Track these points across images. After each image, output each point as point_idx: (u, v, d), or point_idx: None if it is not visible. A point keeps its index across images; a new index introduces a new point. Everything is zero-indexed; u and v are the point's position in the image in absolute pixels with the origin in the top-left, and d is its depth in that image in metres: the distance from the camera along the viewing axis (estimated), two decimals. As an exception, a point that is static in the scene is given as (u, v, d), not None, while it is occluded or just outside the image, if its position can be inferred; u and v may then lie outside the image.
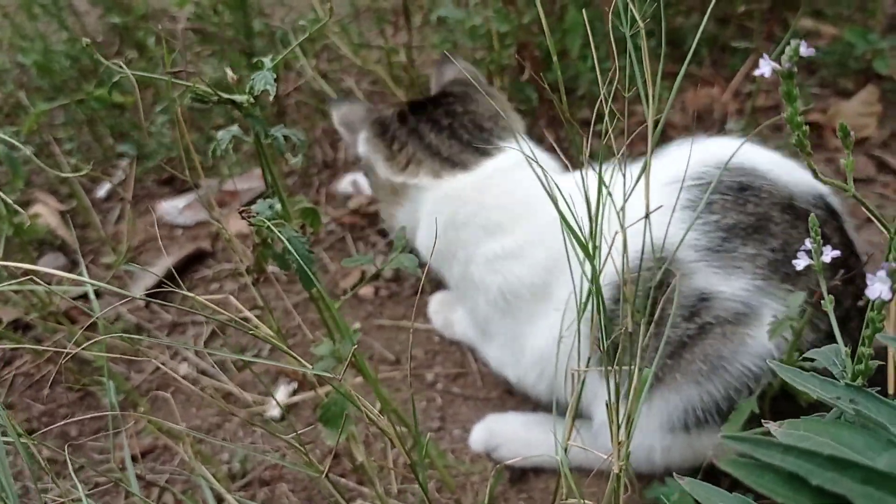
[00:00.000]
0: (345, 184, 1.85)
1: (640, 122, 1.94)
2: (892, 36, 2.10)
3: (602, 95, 0.75)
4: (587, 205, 0.76)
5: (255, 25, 1.77)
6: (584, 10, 0.92)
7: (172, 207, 1.85)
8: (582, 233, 0.73)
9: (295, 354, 0.84)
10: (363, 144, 1.36)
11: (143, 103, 2.05)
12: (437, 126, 1.29)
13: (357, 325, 1.57)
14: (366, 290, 1.64)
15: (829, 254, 0.60)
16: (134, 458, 1.32)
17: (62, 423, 1.41)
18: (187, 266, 1.74)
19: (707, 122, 1.92)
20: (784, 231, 1.05)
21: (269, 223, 0.77)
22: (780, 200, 1.07)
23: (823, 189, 1.13)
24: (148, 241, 1.82)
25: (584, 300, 0.76)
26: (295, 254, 0.77)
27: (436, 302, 1.56)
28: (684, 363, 1.04)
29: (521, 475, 1.28)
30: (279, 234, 0.75)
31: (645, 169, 0.75)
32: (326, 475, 0.77)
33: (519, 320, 1.24)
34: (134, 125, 1.98)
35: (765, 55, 0.47)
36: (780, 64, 0.45)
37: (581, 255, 0.74)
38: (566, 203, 0.74)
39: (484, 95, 1.32)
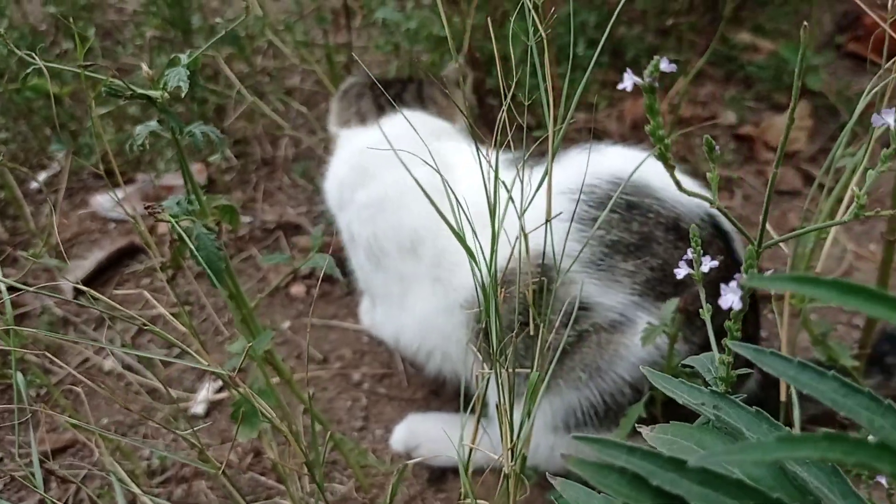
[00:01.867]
0: None
1: (577, 128, 1.94)
2: (825, 52, 2.16)
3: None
4: (486, 196, 0.77)
5: (194, 21, 1.76)
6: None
7: (107, 201, 1.83)
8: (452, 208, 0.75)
9: (202, 352, 0.85)
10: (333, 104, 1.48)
11: (82, 95, 2.02)
12: (374, 90, 1.40)
13: (287, 324, 1.57)
14: (297, 289, 1.64)
15: (707, 264, 0.62)
16: (52, 454, 1.31)
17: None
18: (119, 260, 1.73)
19: (642, 132, 1.96)
20: (666, 251, 1.08)
21: (173, 220, 0.77)
22: (665, 221, 1.10)
23: (714, 209, 1.16)
24: (80, 234, 1.80)
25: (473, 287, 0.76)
26: (194, 250, 0.77)
27: (367, 301, 1.57)
28: (566, 369, 1.08)
29: (441, 475, 1.30)
30: (179, 229, 0.75)
31: (546, 175, 0.76)
32: (223, 472, 0.77)
33: (390, 277, 1.29)
34: (71, 117, 1.95)
35: (628, 70, 0.49)
36: (642, 78, 0.46)
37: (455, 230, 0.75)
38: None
39: (439, 94, 1.43)
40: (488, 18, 1.19)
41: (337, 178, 1.35)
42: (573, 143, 1.24)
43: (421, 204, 1.22)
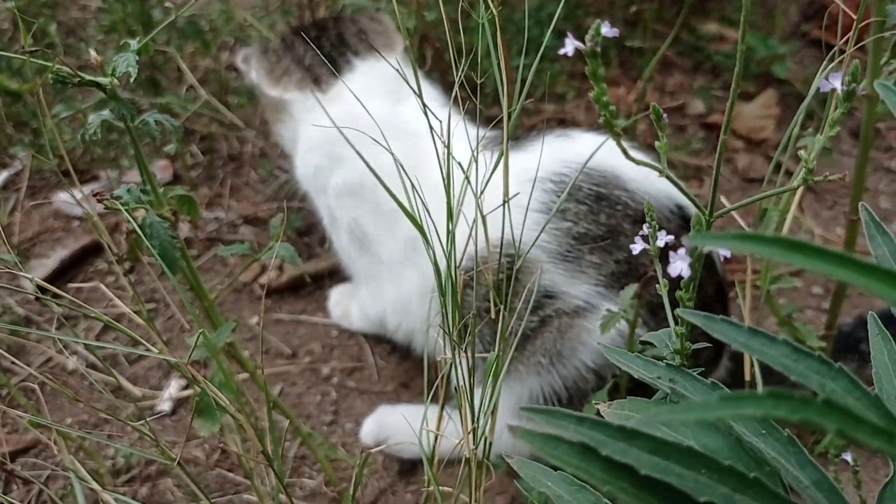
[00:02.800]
0: None
1: (546, 118, 1.93)
2: (791, 42, 2.17)
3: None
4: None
5: (155, 15, 1.74)
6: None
7: (70, 199, 1.80)
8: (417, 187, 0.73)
9: (162, 346, 0.83)
10: (252, 69, 1.39)
11: (43, 92, 1.99)
12: (306, 39, 1.31)
13: (254, 320, 1.55)
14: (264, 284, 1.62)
15: (663, 238, 0.61)
16: (13, 455, 1.28)
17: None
18: (84, 258, 1.70)
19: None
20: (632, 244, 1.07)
21: (123, 207, 0.75)
22: (633, 213, 1.09)
23: (684, 200, 1.15)
24: (43, 232, 1.77)
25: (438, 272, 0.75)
26: (145, 239, 0.75)
27: (336, 294, 1.55)
28: (527, 355, 1.07)
29: (411, 467, 1.28)
30: (130, 217, 0.73)
31: (502, 156, 0.75)
32: (179, 463, 0.75)
33: (373, 260, 1.26)
34: (33, 114, 1.92)
35: (569, 34, 0.48)
36: (584, 43, 0.45)
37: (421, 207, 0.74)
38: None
39: (368, 20, 1.36)
40: (441, 3, 1.18)
41: (311, 163, 1.30)
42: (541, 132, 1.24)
43: (396, 184, 1.18)
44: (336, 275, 1.61)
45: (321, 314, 1.57)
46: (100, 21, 2.06)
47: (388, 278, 1.26)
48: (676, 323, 0.57)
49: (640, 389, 1.07)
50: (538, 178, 1.06)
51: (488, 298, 1.01)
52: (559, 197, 1.06)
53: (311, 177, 1.32)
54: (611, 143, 1.19)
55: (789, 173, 1.89)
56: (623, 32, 2.16)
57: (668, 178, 0.53)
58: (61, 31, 2.14)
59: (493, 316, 0.77)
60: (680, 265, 0.49)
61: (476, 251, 0.78)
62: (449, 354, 0.78)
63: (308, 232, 1.72)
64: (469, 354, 0.72)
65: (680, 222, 1.12)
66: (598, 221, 1.07)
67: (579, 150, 1.12)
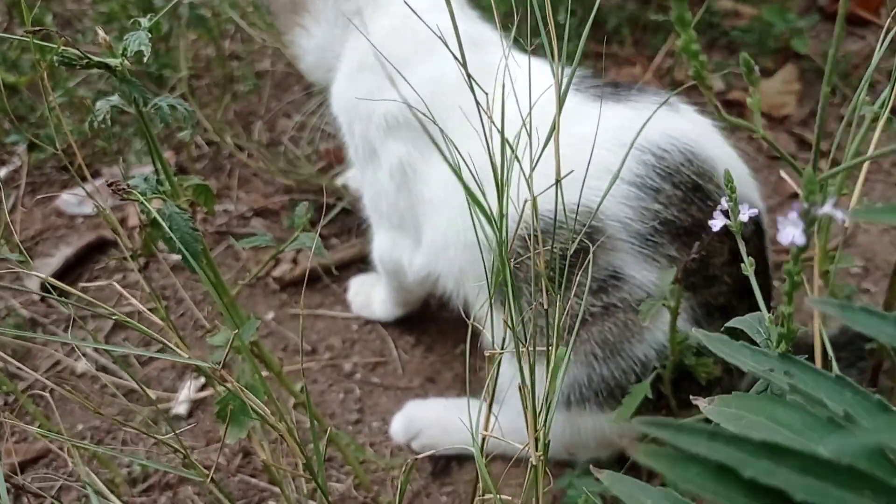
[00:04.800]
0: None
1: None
2: (809, 16, 2.10)
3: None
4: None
5: (156, 3, 1.66)
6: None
7: (73, 196, 1.73)
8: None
9: (182, 347, 0.77)
10: None
11: (42, 82, 1.91)
12: None
13: (270, 315, 1.49)
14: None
15: (746, 212, 0.54)
16: (22, 466, 1.22)
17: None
18: (88, 256, 1.63)
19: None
20: (710, 245, 0.98)
21: (141, 197, 0.68)
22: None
23: (760, 205, 1.07)
24: (46, 230, 1.70)
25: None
26: (168, 230, 0.68)
27: (355, 284, 1.49)
28: (580, 341, 0.98)
29: (445, 466, 1.22)
30: (149, 207, 0.66)
31: (554, 128, 0.68)
32: (211, 479, 0.69)
33: (411, 200, 1.14)
34: (31, 108, 1.84)
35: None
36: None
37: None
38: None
39: None
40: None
41: (362, 87, 1.12)
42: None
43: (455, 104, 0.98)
44: (354, 266, 1.55)
45: (339, 308, 1.50)
46: (97, 11, 1.99)
47: (428, 219, 1.12)
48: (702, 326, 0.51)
49: (686, 380, 1.01)
50: (639, 147, 0.96)
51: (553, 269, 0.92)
52: (658, 174, 0.96)
53: (355, 104, 1.13)
54: (710, 132, 1.09)
55: (811, 148, 1.83)
56: (636, 11, 2.09)
57: (763, 139, 0.47)
58: (57, 23, 2.07)
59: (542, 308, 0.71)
60: (791, 231, 0.42)
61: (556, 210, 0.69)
62: (499, 350, 0.72)
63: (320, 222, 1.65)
64: (529, 348, 0.65)
65: (753, 227, 1.04)
66: (688, 212, 0.98)
67: (686, 128, 1.02)
